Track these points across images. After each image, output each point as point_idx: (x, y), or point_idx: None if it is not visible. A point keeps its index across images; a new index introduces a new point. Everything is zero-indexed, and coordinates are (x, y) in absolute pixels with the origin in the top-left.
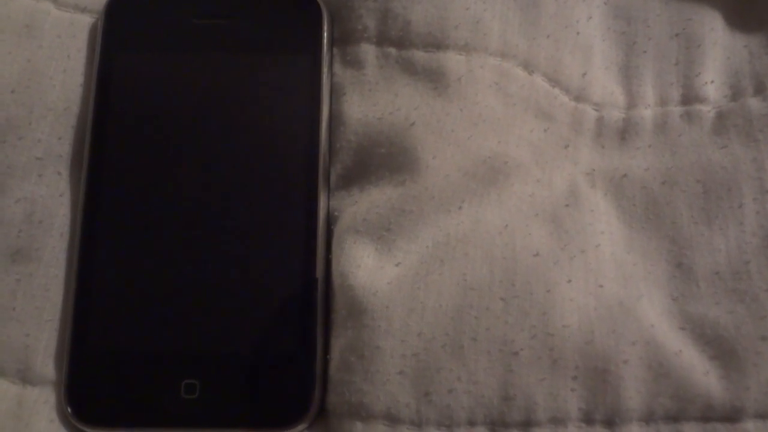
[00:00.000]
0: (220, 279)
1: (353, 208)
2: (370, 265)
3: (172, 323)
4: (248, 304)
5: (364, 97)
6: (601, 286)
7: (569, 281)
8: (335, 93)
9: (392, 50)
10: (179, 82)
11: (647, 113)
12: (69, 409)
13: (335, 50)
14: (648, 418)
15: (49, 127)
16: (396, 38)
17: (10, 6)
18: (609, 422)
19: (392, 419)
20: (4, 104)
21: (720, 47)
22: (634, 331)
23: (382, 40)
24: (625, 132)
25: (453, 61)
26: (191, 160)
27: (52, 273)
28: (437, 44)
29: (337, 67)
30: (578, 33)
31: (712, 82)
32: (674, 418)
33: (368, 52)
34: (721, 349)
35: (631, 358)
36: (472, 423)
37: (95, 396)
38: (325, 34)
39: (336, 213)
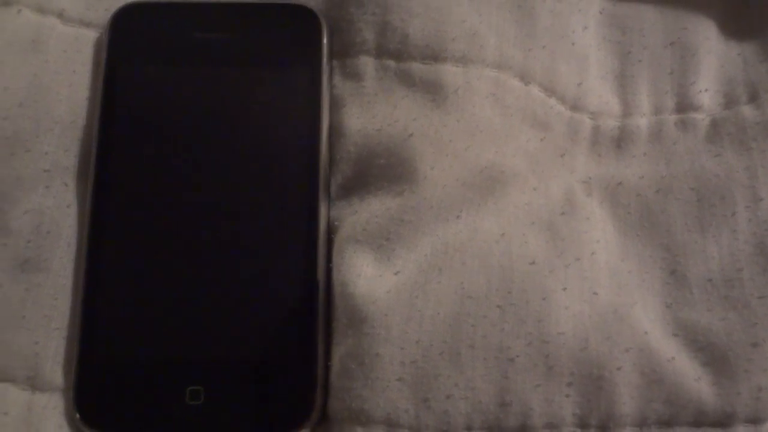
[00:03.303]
0: (225, 288)
1: (353, 218)
2: (370, 273)
3: (177, 331)
4: (251, 313)
5: (363, 108)
6: (596, 293)
7: (564, 289)
8: (335, 105)
9: (391, 62)
10: (182, 95)
11: (642, 122)
12: (77, 415)
13: (335, 63)
14: (641, 423)
15: (55, 140)
16: (394, 51)
17: (16, 22)
18: (603, 427)
19: (392, 425)
20: (12, 118)
21: (714, 56)
22: (627, 338)
23: (380, 52)
24: (621, 140)
25: (450, 73)
26: (194, 170)
27: (60, 282)
28: (435, 56)
29: (337, 80)
30: (573, 43)
31: (707, 90)
32: (667, 423)
33: (367, 64)
34: (713, 355)
35: (624, 364)
36: (469, 428)
37: (103, 402)
38: (325, 47)
39: (336, 223)
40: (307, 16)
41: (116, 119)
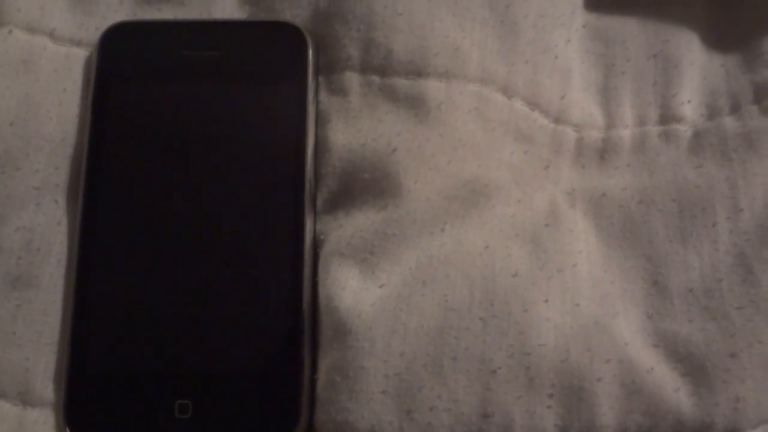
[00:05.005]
0: (212, 302)
1: (338, 232)
2: (355, 287)
3: (165, 346)
4: (239, 327)
5: (348, 124)
6: (578, 305)
7: (546, 301)
8: (321, 120)
9: (375, 78)
10: (171, 112)
11: (626, 133)
12: (68, 430)
13: (321, 79)
14: None
15: (46, 158)
16: (379, 66)
17: (8, 41)
18: None
19: None
20: (2, 137)
21: (697, 67)
22: (608, 350)
23: (365, 68)
24: (605, 152)
25: (433, 88)
26: (182, 186)
27: (51, 298)
28: (418, 72)
29: (323, 95)
30: (556, 57)
31: (689, 101)
32: None
33: (352, 80)
34: (692, 366)
35: (604, 375)
36: None
37: (93, 416)
38: (311, 64)
39: (322, 237)
40: (294, 34)
41: (106, 137)
